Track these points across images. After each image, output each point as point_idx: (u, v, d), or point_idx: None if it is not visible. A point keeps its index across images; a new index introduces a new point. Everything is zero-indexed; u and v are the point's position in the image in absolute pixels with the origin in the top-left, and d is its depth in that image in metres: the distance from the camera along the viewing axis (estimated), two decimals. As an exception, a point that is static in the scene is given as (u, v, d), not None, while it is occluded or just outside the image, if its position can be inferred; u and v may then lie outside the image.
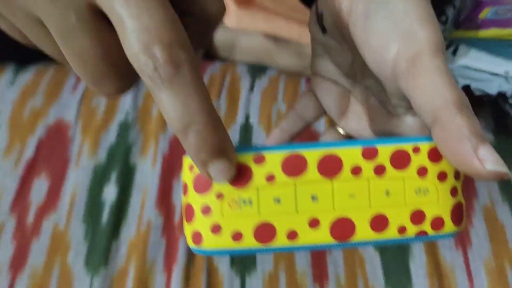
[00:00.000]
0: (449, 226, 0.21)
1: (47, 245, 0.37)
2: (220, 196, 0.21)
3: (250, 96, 0.47)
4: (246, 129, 0.44)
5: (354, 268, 0.36)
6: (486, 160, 0.18)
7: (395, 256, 0.37)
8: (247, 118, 0.45)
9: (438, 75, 0.20)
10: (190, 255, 0.37)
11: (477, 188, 0.39)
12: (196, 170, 0.21)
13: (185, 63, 0.17)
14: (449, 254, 0.36)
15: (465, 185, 0.38)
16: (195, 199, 0.21)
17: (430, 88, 0.20)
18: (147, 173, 0.41)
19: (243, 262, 0.37)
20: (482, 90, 0.46)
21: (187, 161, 0.22)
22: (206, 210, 0.21)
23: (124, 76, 0.20)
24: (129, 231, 0.38)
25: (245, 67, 0.51)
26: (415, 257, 0.36)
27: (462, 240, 0.37)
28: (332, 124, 0.33)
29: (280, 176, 0.21)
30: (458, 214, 0.22)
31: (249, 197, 0.21)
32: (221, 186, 0.21)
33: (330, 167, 0.21)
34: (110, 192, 0.40)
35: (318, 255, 0.37)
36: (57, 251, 0.37)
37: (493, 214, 0.38)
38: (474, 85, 0.43)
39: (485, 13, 0.49)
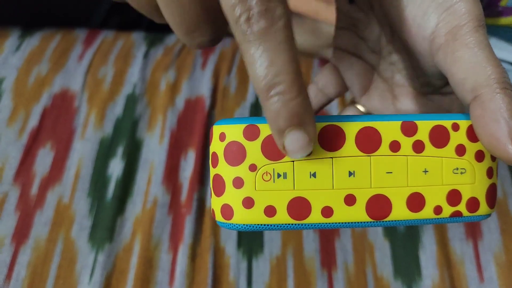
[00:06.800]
0: (483, 208, 0.21)
1: (51, 217, 0.36)
2: (253, 168, 0.20)
3: None
4: (257, 107, 0.43)
5: (363, 256, 0.36)
6: None
7: (405, 245, 0.36)
8: (257, 96, 0.44)
9: (481, 49, 0.19)
10: (197, 234, 0.36)
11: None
12: (227, 140, 0.20)
13: (280, 19, 0.16)
14: (459, 246, 0.36)
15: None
16: (226, 171, 0.20)
17: (472, 63, 0.19)
18: (154, 149, 0.40)
19: (250, 244, 0.36)
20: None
21: (217, 130, 0.20)
22: (238, 183, 0.20)
23: (218, 25, 0.19)
24: (135, 207, 0.37)
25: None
26: (425, 247, 0.36)
27: (473, 232, 0.36)
28: (345, 105, 0.32)
29: (317, 149, 0.20)
30: (492, 196, 0.21)
31: (284, 170, 0.20)
32: (255, 157, 0.20)
33: (368, 141, 0.20)
34: (116, 167, 0.39)
35: (326, 240, 0.36)
36: (61, 224, 0.36)
37: (505, 207, 0.37)
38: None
39: (506, 0, 0.47)
